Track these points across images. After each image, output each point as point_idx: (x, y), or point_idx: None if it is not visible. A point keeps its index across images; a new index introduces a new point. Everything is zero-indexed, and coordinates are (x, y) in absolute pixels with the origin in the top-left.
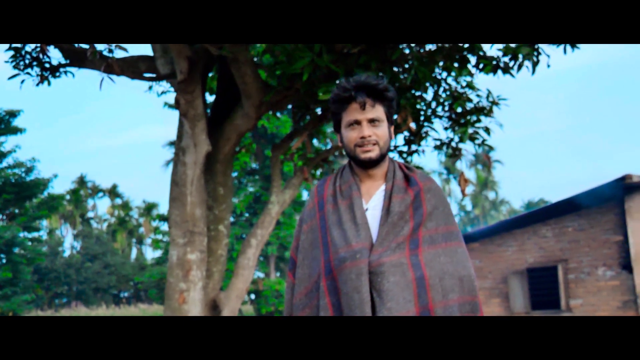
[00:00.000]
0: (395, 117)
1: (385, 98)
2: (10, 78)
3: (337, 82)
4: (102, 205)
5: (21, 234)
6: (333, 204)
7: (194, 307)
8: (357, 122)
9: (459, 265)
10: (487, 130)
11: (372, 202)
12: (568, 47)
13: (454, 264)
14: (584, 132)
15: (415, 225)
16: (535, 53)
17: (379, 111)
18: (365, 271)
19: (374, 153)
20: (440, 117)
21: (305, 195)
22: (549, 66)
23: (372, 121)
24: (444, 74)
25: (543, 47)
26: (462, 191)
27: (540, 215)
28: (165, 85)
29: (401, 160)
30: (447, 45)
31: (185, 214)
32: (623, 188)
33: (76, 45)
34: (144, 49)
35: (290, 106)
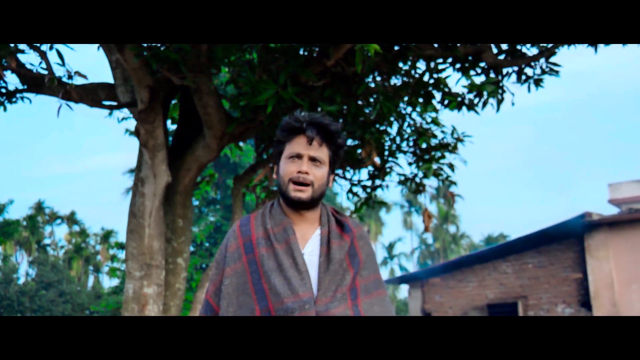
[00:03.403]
0: (359, 151)
1: (333, 142)
2: None
3: (293, 114)
4: (59, 232)
5: None
6: (267, 248)
7: None
8: (299, 156)
9: (388, 313)
10: (451, 166)
11: (308, 247)
12: (532, 85)
13: (385, 312)
14: (544, 169)
15: (354, 274)
16: (500, 90)
17: (323, 152)
18: None
19: (304, 194)
20: (404, 153)
21: None
22: (513, 104)
23: (313, 160)
24: (409, 109)
25: (507, 84)
26: (426, 227)
27: (501, 251)
28: (126, 111)
29: (364, 196)
30: (411, 80)
31: (142, 247)
32: (583, 226)
33: (34, 70)
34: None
35: (253, 137)
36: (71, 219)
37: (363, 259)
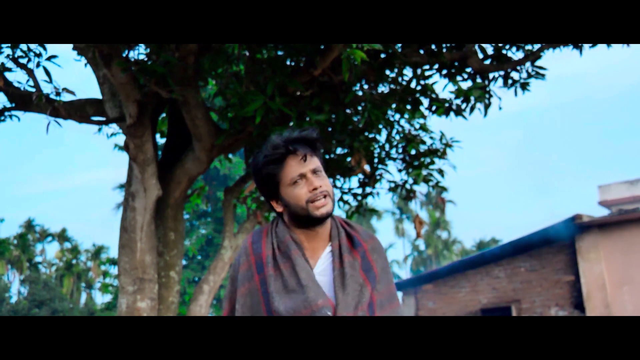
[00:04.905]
0: (348, 159)
1: (319, 148)
2: None
3: (267, 144)
4: (51, 250)
5: None
6: (274, 269)
7: None
8: (302, 176)
9: None
10: (440, 172)
11: (320, 265)
12: (519, 89)
13: None
14: (534, 173)
15: (371, 289)
16: (487, 95)
17: (317, 162)
18: None
19: (328, 207)
20: (394, 160)
21: None
22: (500, 108)
23: (315, 172)
24: (397, 116)
25: (494, 89)
26: (418, 234)
27: (493, 256)
28: (115, 127)
29: (355, 204)
30: (398, 87)
31: (134, 261)
32: (574, 228)
33: (22, 88)
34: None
35: (243, 149)
36: (62, 236)
37: (379, 273)
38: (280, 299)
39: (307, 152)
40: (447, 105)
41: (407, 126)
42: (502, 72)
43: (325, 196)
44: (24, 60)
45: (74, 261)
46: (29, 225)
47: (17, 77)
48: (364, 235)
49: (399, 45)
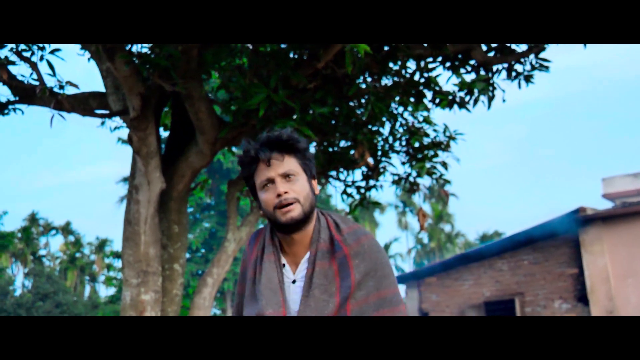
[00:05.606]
0: (352, 152)
1: (294, 149)
2: None
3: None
4: (55, 243)
5: None
6: (253, 271)
7: None
8: (271, 181)
9: None
10: (444, 164)
11: (299, 272)
12: (522, 81)
13: None
14: (537, 165)
15: (342, 300)
16: (491, 88)
17: (291, 164)
18: None
19: (295, 212)
20: (397, 152)
21: None
22: (504, 101)
23: (286, 176)
24: (401, 109)
25: (498, 81)
26: (421, 226)
27: (496, 249)
28: (118, 120)
29: (358, 197)
30: (402, 80)
31: (138, 254)
32: (577, 221)
33: (25, 82)
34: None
35: None
36: (66, 230)
37: (356, 280)
38: (247, 304)
39: (276, 155)
40: (450, 97)
41: (410, 119)
42: (505, 65)
43: (292, 202)
44: (27, 54)
45: (77, 254)
46: (33, 219)
47: (20, 70)
48: (348, 238)
49: None
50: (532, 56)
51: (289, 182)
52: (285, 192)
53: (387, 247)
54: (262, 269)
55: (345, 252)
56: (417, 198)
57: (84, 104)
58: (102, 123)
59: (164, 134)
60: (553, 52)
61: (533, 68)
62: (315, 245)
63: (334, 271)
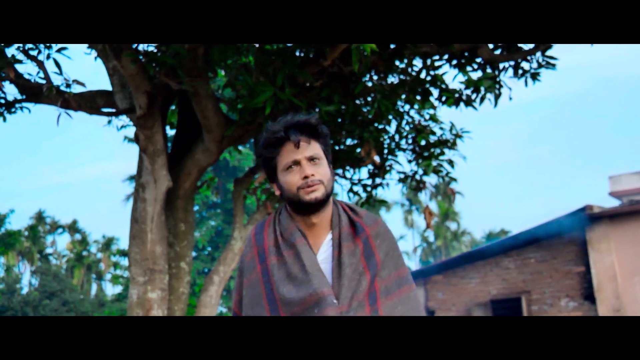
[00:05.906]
0: (358, 150)
1: (319, 134)
2: None
3: (268, 127)
4: (61, 241)
5: None
6: (277, 257)
7: None
8: (296, 163)
9: (414, 312)
10: (450, 162)
11: (321, 254)
12: (529, 79)
13: (410, 311)
14: (544, 163)
15: (371, 278)
16: (497, 85)
17: (316, 148)
18: None
19: (319, 192)
20: (404, 150)
21: None
22: (511, 98)
23: (311, 159)
24: (407, 107)
25: (504, 79)
26: (428, 224)
27: (502, 247)
28: (124, 119)
29: (364, 195)
30: (408, 78)
31: (145, 252)
32: (584, 219)
33: (32, 80)
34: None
35: (252, 140)
36: (73, 228)
37: (381, 259)
38: (284, 286)
39: (303, 139)
40: (457, 95)
41: (417, 117)
42: (512, 62)
43: (318, 183)
44: (34, 52)
45: (84, 252)
46: (40, 217)
47: (27, 69)
48: (367, 220)
49: None
50: (538, 54)
51: (314, 165)
52: (312, 175)
53: None
54: (298, 251)
55: (367, 233)
56: (423, 196)
57: (91, 102)
58: (109, 121)
59: (171, 132)
60: (557, 50)
61: (540, 66)
62: (338, 227)
63: (360, 251)
